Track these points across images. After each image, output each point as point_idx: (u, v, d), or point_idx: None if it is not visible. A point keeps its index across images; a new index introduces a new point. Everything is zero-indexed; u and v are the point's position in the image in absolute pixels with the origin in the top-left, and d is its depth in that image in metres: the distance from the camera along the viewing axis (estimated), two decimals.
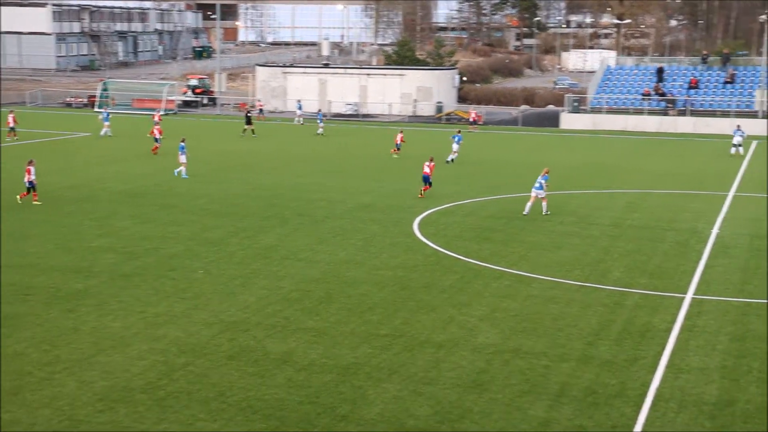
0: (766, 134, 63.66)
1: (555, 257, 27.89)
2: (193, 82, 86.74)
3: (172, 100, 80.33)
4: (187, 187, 39.53)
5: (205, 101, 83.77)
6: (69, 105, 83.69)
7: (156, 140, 50.71)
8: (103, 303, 22.49)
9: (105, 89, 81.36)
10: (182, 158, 41.84)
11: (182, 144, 42.39)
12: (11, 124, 55.79)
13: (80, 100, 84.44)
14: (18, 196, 34.83)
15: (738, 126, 56.91)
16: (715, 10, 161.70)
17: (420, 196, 37.62)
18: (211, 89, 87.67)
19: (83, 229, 30.82)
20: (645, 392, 17.26)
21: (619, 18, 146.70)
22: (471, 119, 70.58)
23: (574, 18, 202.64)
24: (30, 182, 34.65)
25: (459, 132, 52.37)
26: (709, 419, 16.15)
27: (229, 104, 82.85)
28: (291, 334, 20.34)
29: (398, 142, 51.44)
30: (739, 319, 21.92)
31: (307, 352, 19.23)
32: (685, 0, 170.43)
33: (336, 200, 36.95)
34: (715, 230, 32.11)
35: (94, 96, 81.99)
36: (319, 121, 64.18)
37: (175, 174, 42.00)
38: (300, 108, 71.94)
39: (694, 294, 24.06)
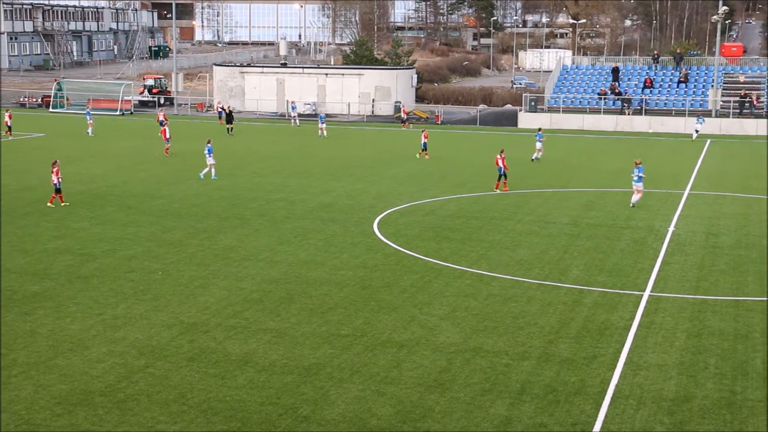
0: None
1: (514, 256, 28.06)
2: (150, 81, 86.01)
3: (129, 100, 79.62)
4: (145, 188, 39.21)
5: (162, 101, 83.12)
6: (23, 105, 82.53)
7: (166, 140, 50.44)
8: (61, 305, 22.23)
9: (59, 89, 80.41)
10: (210, 159, 41.96)
11: (209, 145, 42.46)
12: (9, 123, 58.36)
13: (34, 100, 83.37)
14: (61, 202, 34.77)
15: (699, 114, 63.08)
16: (668, 11, 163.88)
17: (504, 189, 39.34)
18: (168, 89, 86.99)
19: (39, 231, 30.43)
20: (605, 389, 17.43)
21: (575, 18, 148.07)
22: (402, 116, 69.98)
23: (531, 18, 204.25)
24: (57, 183, 34.70)
25: (540, 130, 52.40)
26: (667, 415, 16.36)
27: (186, 104, 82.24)
28: (252, 335, 20.26)
29: (424, 141, 50.26)
30: (695, 315, 22.21)
31: (268, 352, 19.17)
32: (639, 0, 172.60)
33: (296, 200, 36.87)
34: (671, 228, 32.51)
35: (49, 96, 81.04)
36: (321, 123, 62.10)
37: (201, 177, 41.77)
38: (294, 109, 71.27)
39: (652, 291, 24.34)
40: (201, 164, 43.06)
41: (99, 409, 16.20)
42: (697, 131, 62.52)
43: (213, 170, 42.06)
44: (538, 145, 49.74)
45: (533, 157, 49.63)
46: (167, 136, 50.55)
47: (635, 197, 36.33)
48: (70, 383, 17.32)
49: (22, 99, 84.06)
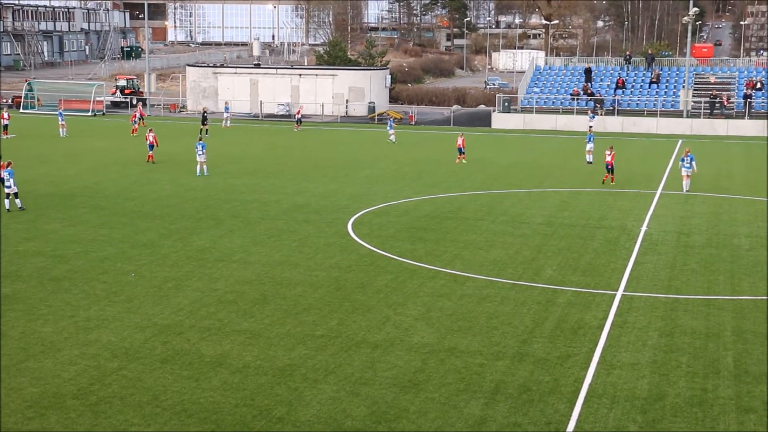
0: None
1: (488, 256, 28.14)
2: (122, 82, 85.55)
3: (101, 101, 79.07)
4: (117, 189, 38.96)
5: (135, 102, 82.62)
6: None
7: (150, 147, 47.00)
8: (32, 308, 22.04)
9: (30, 90, 79.72)
10: (201, 157, 43.17)
11: (203, 143, 43.88)
12: (6, 121, 59.18)
13: (4, 100, 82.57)
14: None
15: (591, 110, 67.82)
16: (639, 12, 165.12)
17: (612, 181, 41.99)
18: (141, 90, 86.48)
19: (9, 233, 30.14)
20: (578, 388, 17.51)
21: (548, 19, 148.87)
22: (297, 118, 68.39)
23: (504, 18, 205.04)
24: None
25: (591, 131, 52.53)
26: (640, 414, 16.46)
27: (159, 105, 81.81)
28: (225, 337, 20.19)
29: (460, 146, 49.23)
30: (667, 314, 22.38)
31: (242, 354, 19.10)
32: (611, 1, 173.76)
33: (270, 201, 36.77)
34: (643, 228, 32.73)
35: (19, 97, 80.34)
36: (389, 128, 59.99)
37: (206, 174, 43.08)
38: (227, 110, 70.56)
39: (625, 291, 24.49)
40: (170, 165, 42.88)
41: (71, 412, 16.07)
42: (591, 126, 61.08)
43: (200, 167, 43.13)
44: (591, 146, 49.36)
45: (588, 160, 49.19)
46: (151, 140, 47.08)
47: (687, 183, 39.59)
48: (42, 386, 17.17)
49: None
